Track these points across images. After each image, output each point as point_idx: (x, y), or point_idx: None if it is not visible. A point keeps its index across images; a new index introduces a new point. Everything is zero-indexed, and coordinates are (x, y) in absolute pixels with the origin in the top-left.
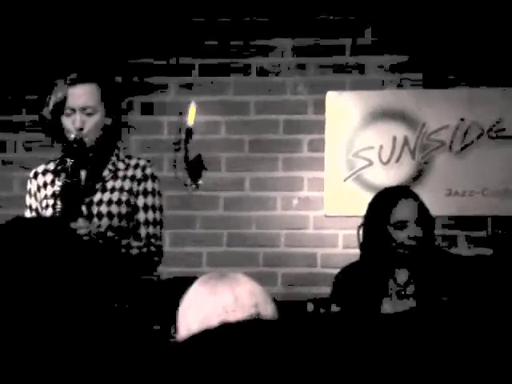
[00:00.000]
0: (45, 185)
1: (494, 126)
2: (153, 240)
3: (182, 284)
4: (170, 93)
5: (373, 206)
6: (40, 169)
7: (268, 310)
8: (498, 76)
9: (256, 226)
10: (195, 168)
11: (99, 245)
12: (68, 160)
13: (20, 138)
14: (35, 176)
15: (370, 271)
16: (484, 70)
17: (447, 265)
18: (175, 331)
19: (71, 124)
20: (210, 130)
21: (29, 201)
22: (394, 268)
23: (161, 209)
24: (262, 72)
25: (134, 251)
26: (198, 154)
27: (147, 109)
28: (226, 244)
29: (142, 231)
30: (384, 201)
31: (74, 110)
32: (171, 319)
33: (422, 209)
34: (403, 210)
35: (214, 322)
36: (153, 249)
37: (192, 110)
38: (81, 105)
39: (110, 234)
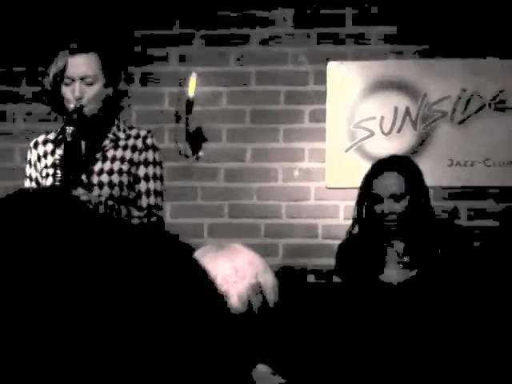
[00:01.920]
0: (45, 154)
1: (495, 96)
2: (154, 210)
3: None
4: (171, 64)
5: (363, 178)
6: (40, 138)
7: (268, 280)
8: (500, 47)
9: (257, 197)
10: (196, 139)
11: (100, 214)
12: (67, 128)
13: (21, 110)
14: (35, 146)
15: (368, 242)
16: (486, 41)
17: (446, 235)
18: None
19: (71, 93)
20: (210, 100)
21: (29, 171)
22: (388, 239)
23: (162, 179)
24: (262, 42)
25: (135, 221)
26: (199, 125)
27: (148, 80)
28: (227, 215)
29: (143, 201)
30: (369, 173)
31: (73, 80)
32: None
33: (409, 180)
34: (380, 185)
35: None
36: (154, 219)
37: (193, 80)
38: (80, 74)
39: (110, 202)
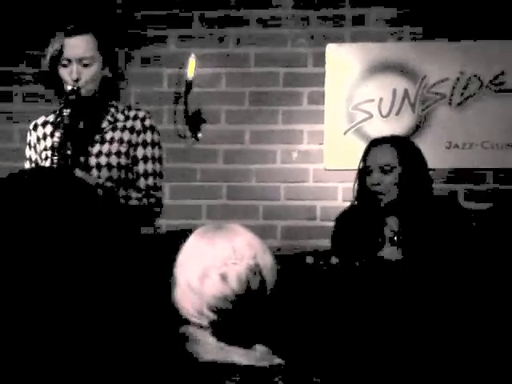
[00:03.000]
0: (44, 136)
1: (494, 79)
2: (152, 191)
3: (181, 237)
4: (170, 45)
5: (360, 159)
6: (40, 120)
7: (266, 261)
8: (498, 29)
9: (256, 178)
10: (195, 121)
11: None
12: (64, 110)
13: (20, 90)
14: (35, 128)
15: (364, 219)
16: (484, 23)
17: (443, 214)
18: (173, 284)
19: (68, 75)
20: (209, 82)
21: (28, 152)
22: (382, 215)
23: (160, 160)
24: (262, 24)
25: (133, 202)
26: (198, 107)
27: (147, 61)
28: (225, 197)
29: (142, 182)
30: (364, 151)
31: (70, 61)
32: (169, 272)
33: (402, 154)
34: (371, 157)
35: (213, 274)
36: (152, 200)
37: (192, 62)
38: (77, 55)
39: (108, 184)
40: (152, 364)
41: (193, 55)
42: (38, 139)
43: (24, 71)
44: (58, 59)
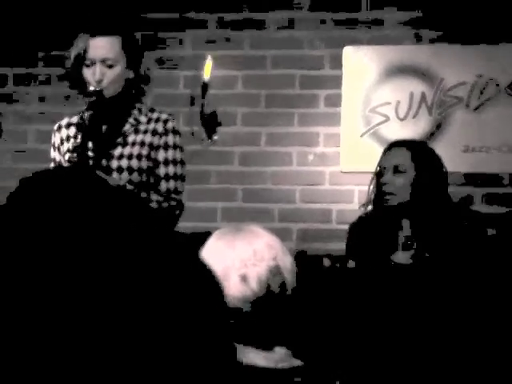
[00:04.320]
0: (68, 138)
1: (511, 83)
2: (173, 194)
3: (197, 239)
4: (186, 47)
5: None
6: (64, 122)
7: (286, 262)
8: None
9: (271, 181)
10: (211, 123)
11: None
12: (85, 113)
13: (35, 91)
14: (59, 129)
15: (378, 222)
16: (502, 27)
17: (457, 219)
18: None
19: (91, 76)
20: (225, 84)
21: (53, 154)
22: (395, 219)
23: (182, 163)
24: (278, 26)
25: (154, 205)
26: (214, 109)
27: (163, 63)
28: (240, 199)
29: (163, 185)
30: (381, 155)
31: (93, 62)
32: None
33: (417, 157)
34: (385, 158)
35: (233, 276)
36: (173, 203)
37: (208, 64)
38: (101, 56)
39: (129, 187)
40: (167, 364)
41: (209, 57)
42: (62, 141)
43: (39, 72)
44: (81, 59)
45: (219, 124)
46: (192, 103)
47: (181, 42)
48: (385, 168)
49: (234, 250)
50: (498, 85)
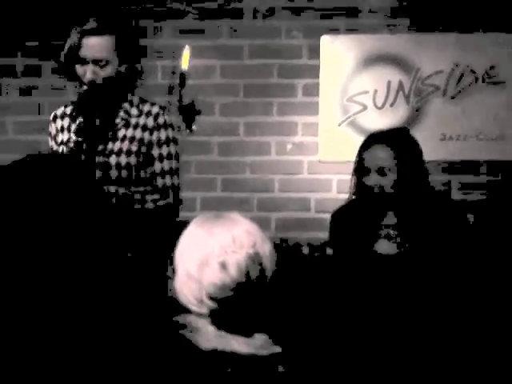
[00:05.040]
0: (62, 129)
1: (487, 71)
2: (170, 190)
3: (176, 228)
4: (164, 37)
5: (357, 151)
6: (59, 112)
7: (265, 249)
8: (492, 22)
9: (250, 170)
10: (189, 113)
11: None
12: (77, 119)
13: (15, 83)
14: (54, 119)
15: (362, 215)
16: (478, 16)
17: (439, 209)
18: (172, 273)
19: (83, 74)
20: (204, 74)
21: (51, 143)
22: (380, 210)
23: (176, 157)
24: (256, 16)
25: (150, 205)
26: (192, 99)
27: (141, 53)
28: (219, 189)
29: (159, 182)
30: (361, 145)
31: (86, 61)
32: (167, 261)
33: (400, 155)
34: (369, 157)
35: (212, 263)
36: (169, 200)
37: (186, 54)
38: (93, 56)
39: (121, 191)
40: (152, 353)
41: (187, 47)
42: (57, 131)
43: (20, 63)
44: (74, 56)
45: (198, 114)
46: (170, 93)
47: (159, 31)
48: (368, 167)
49: (213, 237)
50: (474, 73)
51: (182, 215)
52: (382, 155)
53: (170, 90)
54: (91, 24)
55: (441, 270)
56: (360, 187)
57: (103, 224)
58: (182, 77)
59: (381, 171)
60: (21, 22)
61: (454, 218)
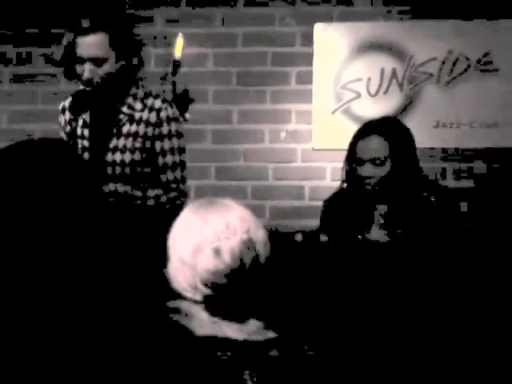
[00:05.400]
0: (70, 121)
1: (481, 58)
2: (173, 184)
3: (170, 216)
4: (157, 25)
5: (350, 141)
6: (67, 103)
7: (259, 235)
8: (485, 9)
9: (244, 159)
10: (182, 101)
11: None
12: (79, 117)
13: (7, 71)
14: (63, 111)
15: (354, 203)
16: (472, 3)
17: (430, 196)
18: (167, 259)
19: (81, 72)
20: (197, 62)
21: (61, 133)
22: (371, 200)
23: (180, 150)
24: (249, 3)
25: (151, 202)
26: (185, 87)
27: (139, 45)
28: (213, 177)
29: (162, 177)
30: (354, 135)
31: (83, 60)
32: (161, 247)
33: (393, 145)
34: (362, 148)
35: (206, 249)
36: (172, 194)
37: (179, 42)
38: (90, 55)
39: (120, 189)
40: (145, 340)
41: (180, 35)
42: (65, 122)
43: (12, 51)
44: (71, 55)
45: (191, 102)
46: (163, 81)
47: (152, 19)
48: (361, 158)
49: (206, 223)
50: (468, 60)
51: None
52: (376, 146)
53: (164, 78)
54: (84, 23)
55: (433, 258)
56: (352, 177)
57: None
58: (175, 65)
59: (374, 162)
60: (16, 9)
61: (445, 206)
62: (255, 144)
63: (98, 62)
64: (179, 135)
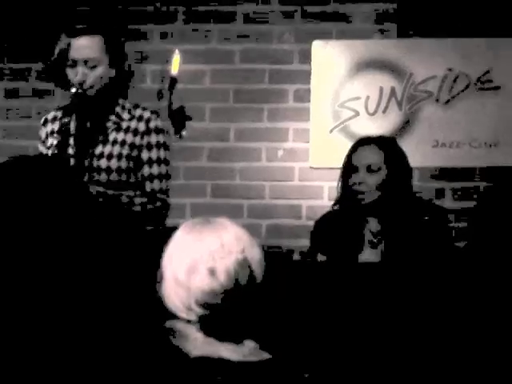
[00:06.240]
0: (52, 132)
1: (481, 76)
2: (158, 195)
3: (165, 234)
4: (154, 41)
5: (346, 154)
6: (50, 116)
7: (254, 255)
8: (485, 26)
9: (240, 177)
10: (179, 118)
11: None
12: (67, 118)
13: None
14: (45, 123)
15: (345, 221)
16: (472, 20)
17: (427, 215)
18: (160, 278)
19: (73, 76)
20: (194, 79)
21: (40, 147)
22: (362, 217)
23: (166, 162)
24: (247, 20)
25: (137, 208)
26: (182, 104)
27: (130, 57)
28: (209, 195)
29: (147, 186)
30: (351, 148)
31: (76, 62)
32: (155, 267)
33: (388, 156)
34: (357, 156)
35: (201, 268)
36: (158, 203)
37: (176, 58)
38: (83, 57)
39: (109, 192)
40: (139, 360)
41: (177, 51)
42: (47, 135)
43: (4, 67)
44: (64, 60)
45: (188, 119)
46: (160, 98)
47: (148, 35)
48: (357, 166)
49: (202, 242)
50: (468, 78)
51: (172, 221)
52: (373, 153)
53: (160, 95)
54: (79, 25)
55: (424, 277)
56: (345, 189)
57: (90, 225)
58: (172, 81)
59: (369, 168)
60: (7, 24)
61: (436, 225)
62: (252, 162)
63: (90, 64)
64: (166, 147)
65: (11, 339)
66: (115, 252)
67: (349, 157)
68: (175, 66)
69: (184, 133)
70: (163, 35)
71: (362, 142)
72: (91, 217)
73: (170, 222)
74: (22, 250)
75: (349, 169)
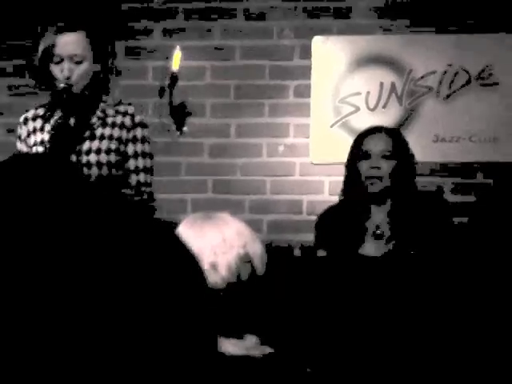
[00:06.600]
0: (34, 130)
1: (481, 72)
2: (143, 187)
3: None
4: (155, 37)
5: (354, 139)
6: (30, 114)
7: (256, 250)
8: (486, 22)
9: (241, 172)
10: (180, 114)
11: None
12: (55, 113)
13: (3, 83)
14: (25, 121)
15: (348, 213)
16: (472, 16)
17: (429, 208)
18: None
19: (59, 72)
20: (194, 75)
21: (19, 146)
22: (369, 206)
23: (150, 155)
24: (248, 16)
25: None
26: (183, 101)
27: (131, 54)
28: (210, 191)
29: (133, 179)
30: (357, 138)
31: (61, 58)
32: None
33: (396, 145)
34: (369, 142)
35: (203, 263)
36: (144, 196)
37: (177, 55)
38: (68, 53)
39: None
40: (141, 356)
41: (178, 48)
42: (29, 133)
43: (7, 64)
44: (49, 56)
45: (188, 115)
46: (161, 94)
47: (150, 32)
48: (369, 154)
49: (203, 237)
50: (468, 74)
51: (173, 217)
52: (383, 142)
53: (161, 91)
54: (64, 21)
55: (429, 270)
56: (353, 176)
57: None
58: (173, 78)
59: (384, 155)
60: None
61: (443, 218)
62: (253, 158)
63: (76, 60)
64: (149, 141)
65: (11, 339)
66: (118, 250)
67: (359, 144)
68: (176, 63)
69: (185, 129)
70: (164, 31)
71: (374, 130)
72: (96, 213)
73: (171, 217)
74: (22, 250)
75: (359, 156)
